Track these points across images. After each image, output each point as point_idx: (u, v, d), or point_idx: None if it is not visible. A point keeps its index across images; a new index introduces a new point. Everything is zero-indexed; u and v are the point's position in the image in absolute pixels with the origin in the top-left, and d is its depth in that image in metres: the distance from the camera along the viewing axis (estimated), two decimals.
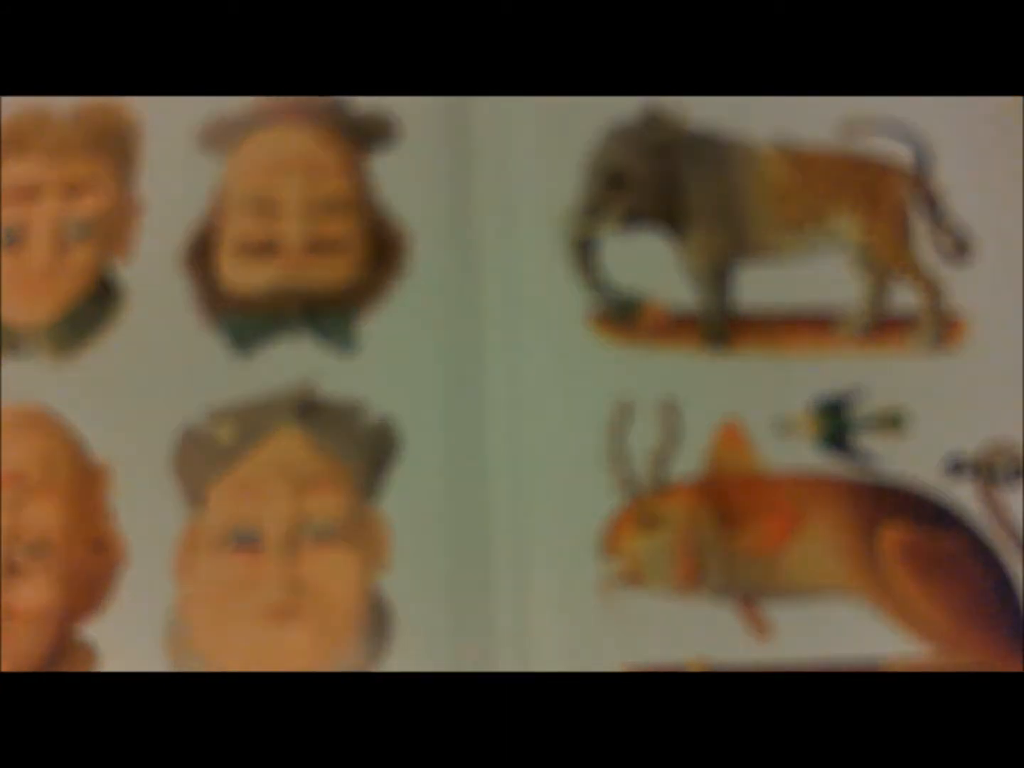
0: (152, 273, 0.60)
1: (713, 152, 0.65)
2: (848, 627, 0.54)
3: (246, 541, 0.52)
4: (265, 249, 0.60)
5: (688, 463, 0.57)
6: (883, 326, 0.63)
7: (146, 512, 0.53)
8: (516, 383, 0.58)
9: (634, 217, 0.63)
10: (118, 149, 0.63)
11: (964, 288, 0.64)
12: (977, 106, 0.70)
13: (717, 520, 0.56)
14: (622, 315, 0.60)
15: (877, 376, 0.61)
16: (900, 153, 0.68)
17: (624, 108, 0.65)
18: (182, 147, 0.63)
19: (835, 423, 0.59)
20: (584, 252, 0.62)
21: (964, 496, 0.58)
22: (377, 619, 0.51)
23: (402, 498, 0.54)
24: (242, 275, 0.59)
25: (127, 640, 0.51)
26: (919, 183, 0.67)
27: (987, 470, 0.59)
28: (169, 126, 0.63)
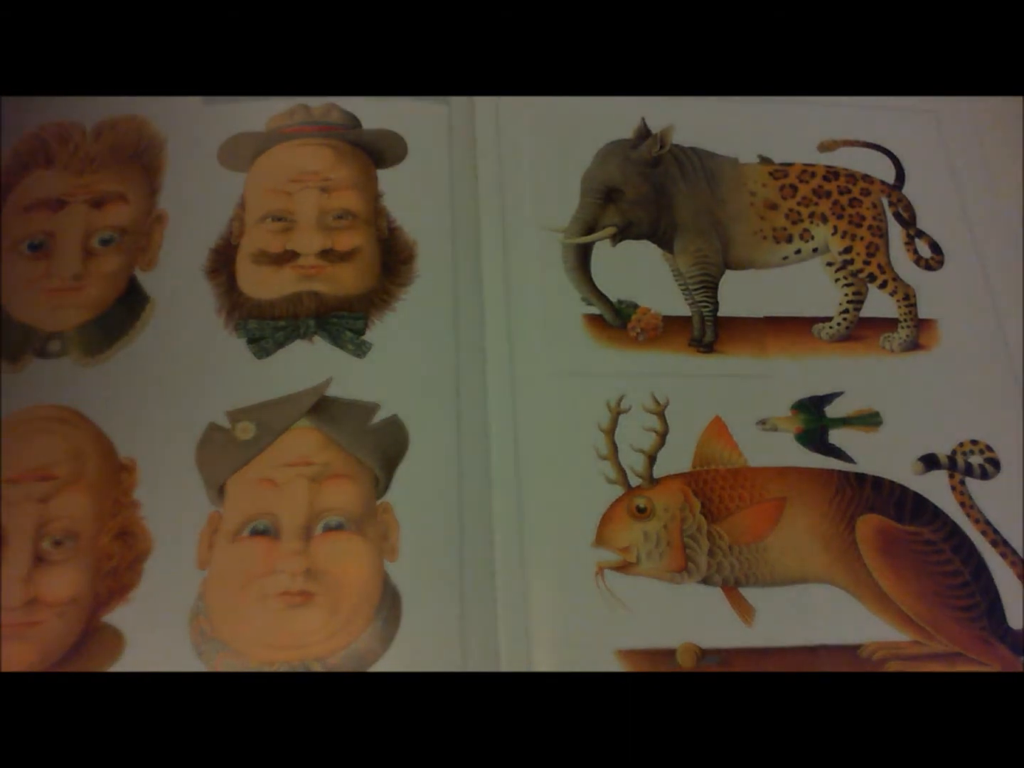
0: (175, 280, 0.62)
1: (701, 166, 0.68)
2: (828, 614, 0.57)
3: (264, 531, 0.55)
4: (282, 259, 0.63)
5: (678, 458, 0.60)
6: (861, 330, 0.66)
7: (169, 505, 0.56)
8: (517, 385, 0.60)
9: (628, 228, 0.66)
10: (141, 162, 0.66)
11: (937, 293, 0.68)
12: (947, 116, 0.73)
13: (705, 511, 0.59)
14: (616, 320, 0.64)
15: (855, 377, 0.64)
16: (878, 165, 0.71)
17: (621, 112, 0.68)
18: (204, 161, 0.65)
19: (815, 422, 0.62)
20: (580, 260, 0.65)
21: (938, 490, 0.61)
22: (387, 604, 0.54)
23: (410, 493, 0.57)
24: (260, 282, 0.62)
25: (152, 626, 0.53)
26: (895, 193, 0.70)
27: (960, 465, 0.62)
28: (191, 140, 0.66)
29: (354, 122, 0.68)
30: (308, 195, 0.64)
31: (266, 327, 0.61)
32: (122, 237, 0.63)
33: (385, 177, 0.67)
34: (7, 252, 0.63)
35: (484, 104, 0.69)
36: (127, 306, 0.62)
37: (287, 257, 0.62)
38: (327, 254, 0.63)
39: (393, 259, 0.64)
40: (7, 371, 0.59)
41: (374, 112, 0.68)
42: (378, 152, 0.67)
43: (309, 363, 0.60)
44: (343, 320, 0.61)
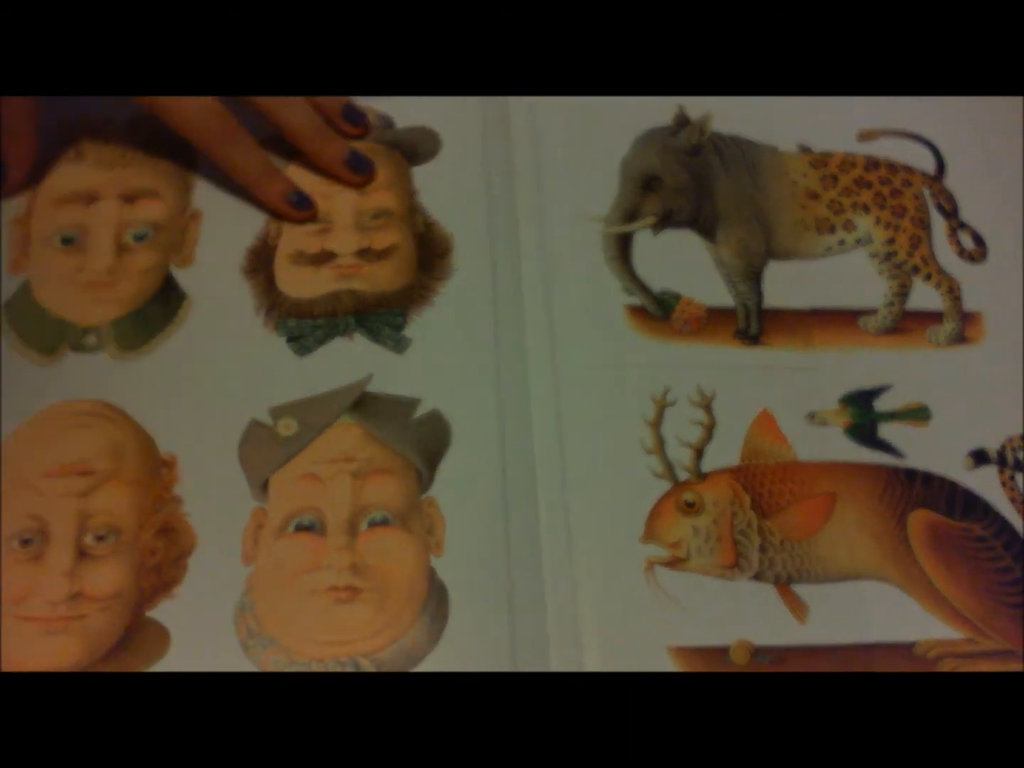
0: (213, 277, 0.62)
1: (741, 155, 0.68)
2: (881, 611, 0.56)
3: (309, 527, 0.54)
4: (320, 259, 0.62)
5: (725, 452, 0.59)
6: (906, 322, 0.65)
7: (213, 501, 0.55)
8: (559, 378, 0.60)
9: (668, 217, 0.66)
10: (175, 157, 0.65)
11: (981, 285, 0.66)
12: (985, 106, 0.72)
13: (754, 506, 0.58)
14: (658, 311, 0.63)
15: (902, 370, 0.63)
16: (918, 156, 0.71)
17: (657, 109, 0.68)
18: None
19: (864, 416, 0.61)
20: (621, 250, 0.64)
21: (989, 484, 0.60)
22: (434, 600, 0.53)
23: (454, 488, 0.56)
24: (299, 281, 0.62)
25: (198, 622, 0.52)
26: (936, 184, 0.69)
27: (1010, 460, 0.60)
28: None
29: (387, 123, 0.68)
30: (344, 197, 0.64)
31: (305, 325, 0.60)
32: (156, 233, 0.63)
33: (419, 173, 0.66)
34: (40, 245, 0.62)
35: (517, 101, 0.68)
36: (163, 302, 0.61)
37: (325, 257, 0.62)
38: (364, 253, 0.62)
39: (430, 254, 0.63)
40: (42, 364, 0.59)
41: (406, 109, 0.68)
42: (412, 148, 0.67)
43: (349, 360, 0.59)
44: (382, 317, 0.60)
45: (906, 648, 0.55)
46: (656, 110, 0.68)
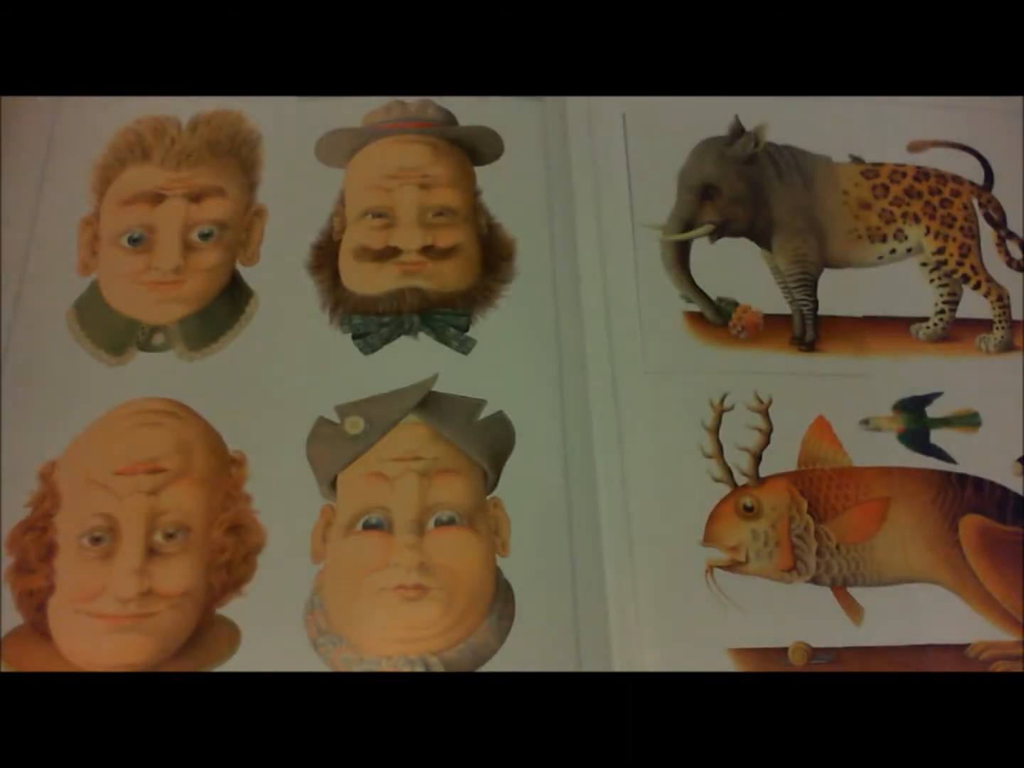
0: (278, 276, 0.62)
1: (796, 165, 0.68)
2: (934, 613, 0.57)
3: (377, 525, 0.54)
4: (384, 255, 0.63)
5: (782, 457, 0.60)
6: (957, 331, 0.66)
7: (281, 498, 0.55)
8: (619, 383, 0.60)
9: (725, 226, 0.66)
10: (238, 157, 0.66)
11: None
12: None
13: (811, 511, 0.59)
14: (716, 318, 0.63)
15: (953, 377, 0.64)
16: (966, 166, 0.71)
17: (713, 115, 0.68)
18: (301, 156, 0.65)
19: (916, 422, 0.62)
20: (679, 258, 0.65)
21: None
22: (501, 599, 0.54)
23: (518, 489, 0.57)
24: (363, 278, 0.62)
25: (268, 620, 0.53)
26: (985, 194, 0.70)
27: None
28: (288, 136, 0.66)
29: (450, 119, 0.68)
30: (408, 191, 0.64)
31: (371, 323, 0.61)
32: (221, 231, 0.63)
33: (482, 174, 0.67)
34: (108, 246, 0.63)
35: (576, 102, 0.69)
36: (230, 300, 0.62)
37: (389, 253, 0.62)
38: (428, 251, 0.63)
39: (494, 256, 0.64)
40: (111, 364, 0.60)
41: (468, 109, 0.68)
42: (475, 149, 0.67)
43: (414, 359, 0.60)
44: (447, 317, 0.61)
45: (959, 650, 0.56)
46: (712, 115, 0.68)
